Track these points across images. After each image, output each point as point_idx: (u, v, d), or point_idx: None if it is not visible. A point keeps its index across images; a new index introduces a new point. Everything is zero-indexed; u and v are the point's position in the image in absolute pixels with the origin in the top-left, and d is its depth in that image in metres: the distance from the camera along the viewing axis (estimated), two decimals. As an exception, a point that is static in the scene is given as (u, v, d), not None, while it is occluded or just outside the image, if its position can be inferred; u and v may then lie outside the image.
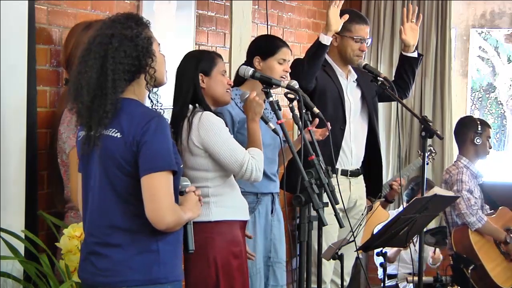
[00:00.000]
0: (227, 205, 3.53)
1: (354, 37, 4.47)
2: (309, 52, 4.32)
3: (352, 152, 4.55)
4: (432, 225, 6.34)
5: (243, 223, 3.64)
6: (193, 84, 3.58)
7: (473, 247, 5.32)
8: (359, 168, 4.62)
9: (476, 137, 5.48)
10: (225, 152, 3.45)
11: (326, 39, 4.23)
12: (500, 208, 5.60)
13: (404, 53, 4.74)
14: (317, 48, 4.25)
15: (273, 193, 4.04)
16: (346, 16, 4.28)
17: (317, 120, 3.75)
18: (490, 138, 5.59)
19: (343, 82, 4.55)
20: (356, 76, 4.61)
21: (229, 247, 3.50)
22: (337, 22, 4.23)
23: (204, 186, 3.46)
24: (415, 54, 4.72)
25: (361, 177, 4.65)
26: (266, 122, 3.58)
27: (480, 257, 5.31)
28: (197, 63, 3.61)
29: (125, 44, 2.72)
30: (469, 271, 5.19)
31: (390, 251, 5.90)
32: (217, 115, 3.57)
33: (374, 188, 4.75)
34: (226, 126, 3.56)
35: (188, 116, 3.51)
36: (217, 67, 3.61)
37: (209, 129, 3.46)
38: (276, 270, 4.04)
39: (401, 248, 5.76)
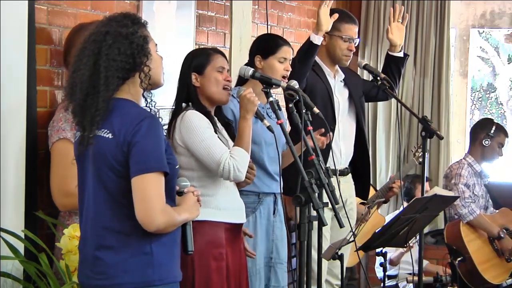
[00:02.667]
0: (212, 206, 3.48)
1: (343, 37, 4.47)
2: (300, 52, 4.32)
3: (341, 151, 4.55)
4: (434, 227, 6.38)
5: (232, 226, 3.57)
6: (186, 84, 3.56)
7: (463, 239, 5.36)
8: (347, 167, 4.62)
9: (486, 139, 5.52)
10: (203, 150, 3.41)
11: (317, 39, 4.23)
12: (502, 208, 5.62)
13: (390, 52, 4.75)
14: (308, 48, 4.25)
15: (275, 193, 4.03)
16: (336, 15, 4.28)
17: (322, 130, 3.73)
18: (502, 145, 5.60)
19: (332, 82, 4.56)
20: (343, 76, 4.62)
21: (209, 249, 3.43)
22: (327, 21, 4.23)
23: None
24: (401, 54, 4.73)
25: (350, 176, 4.66)
26: (261, 119, 3.53)
27: (469, 250, 5.35)
28: (190, 62, 3.58)
29: (119, 42, 2.69)
30: (457, 263, 5.22)
31: (393, 254, 5.91)
32: (207, 114, 3.53)
33: (362, 188, 4.75)
34: (215, 125, 3.53)
35: (176, 116, 3.51)
36: (211, 64, 3.56)
37: (188, 127, 3.43)
38: (277, 270, 4.03)
39: (403, 251, 5.78)
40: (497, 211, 5.65)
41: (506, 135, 5.65)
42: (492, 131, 5.54)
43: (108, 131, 2.69)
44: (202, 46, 4.86)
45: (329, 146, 4.20)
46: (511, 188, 6.47)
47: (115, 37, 2.70)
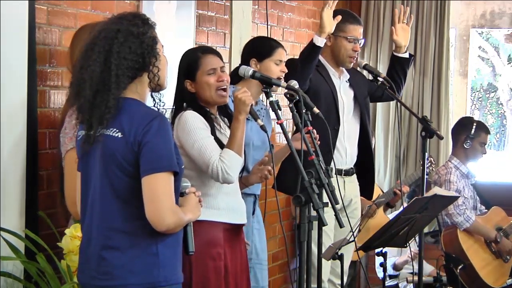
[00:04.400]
0: (210, 206, 3.47)
1: (348, 37, 4.48)
2: (303, 53, 4.32)
3: (346, 151, 4.56)
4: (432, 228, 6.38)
5: (231, 226, 3.56)
6: (181, 90, 3.55)
7: (462, 246, 5.34)
8: (352, 167, 4.62)
9: (467, 141, 5.49)
10: (195, 152, 3.41)
11: (320, 41, 4.23)
12: (492, 207, 5.60)
13: (395, 53, 4.75)
14: (311, 50, 4.25)
15: (256, 194, 4.03)
16: (339, 17, 4.29)
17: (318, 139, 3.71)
18: (485, 144, 5.56)
19: (336, 82, 4.56)
20: (348, 76, 4.63)
21: (206, 248, 3.42)
22: (330, 23, 4.24)
23: None
24: (406, 55, 4.73)
25: (355, 176, 4.66)
26: (255, 119, 3.48)
27: (469, 256, 5.33)
28: (182, 69, 3.56)
29: (131, 40, 2.69)
30: (458, 271, 5.20)
31: (398, 259, 5.90)
32: (206, 115, 3.51)
33: (366, 189, 4.75)
34: (212, 125, 3.52)
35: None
36: (201, 69, 3.53)
37: (183, 128, 3.43)
38: (256, 271, 4.03)
39: (408, 259, 5.74)
40: (485, 210, 5.63)
41: (487, 132, 5.59)
42: (472, 132, 5.49)
43: (117, 130, 2.68)
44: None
45: (332, 146, 4.22)
46: (501, 188, 6.48)
47: (127, 35, 2.69)
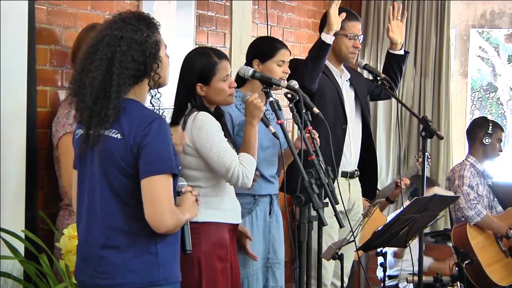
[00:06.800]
0: (217, 207, 3.48)
1: (348, 35, 4.47)
2: (311, 52, 4.31)
3: (351, 153, 4.55)
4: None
5: (234, 227, 3.58)
6: (191, 93, 3.51)
7: (470, 242, 5.35)
8: (357, 169, 4.62)
9: (486, 137, 5.53)
10: (213, 155, 3.40)
11: (329, 38, 4.24)
12: (508, 208, 5.62)
13: (391, 51, 4.75)
14: (320, 48, 4.25)
15: (271, 194, 4.03)
16: (344, 14, 4.30)
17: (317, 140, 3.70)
18: (501, 141, 5.62)
19: (339, 81, 4.56)
20: (349, 76, 4.62)
21: (215, 250, 3.44)
22: (337, 21, 4.26)
23: (196, 185, 3.36)
24: (401, 52, 4.73)
25: (357, 178, 4.66)
26: (267, 125, 3.50)
27: (476, 252, 5.34)
28: (196, 72, 3.50)
29: (133, 48, 2.69)
30: (464, 265, 5.21)
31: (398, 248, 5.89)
32: (217, 115, 3.53)
33: (369, 189, 4.74)
34: (224, 128, 3.53)
35: (184, 115, 3.48)
36: (217, 76, 3.49)
37: (201, 130, 3.42)
38: (275, 271, 4.03)
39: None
40: (504, 210, 5.65)
41: (502, 129, 5.67)
42: (490, 129, 5.55)
43: (116, 132, 2.69)
44: (203, 46, 4.84)
45: (340, 148, 4.22)
46: (506, 188, 6.46)
47: (130, 44, 2.69)
